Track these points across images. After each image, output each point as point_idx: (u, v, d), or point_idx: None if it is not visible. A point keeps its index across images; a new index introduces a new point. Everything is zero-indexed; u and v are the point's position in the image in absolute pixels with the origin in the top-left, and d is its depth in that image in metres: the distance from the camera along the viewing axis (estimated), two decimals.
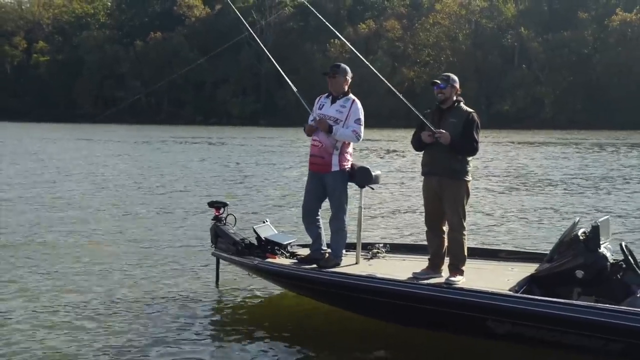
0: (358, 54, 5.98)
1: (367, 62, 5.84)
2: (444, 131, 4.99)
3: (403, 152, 25.64)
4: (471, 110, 5.14)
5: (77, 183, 15.05)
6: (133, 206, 11.61)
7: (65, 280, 6.60)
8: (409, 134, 5.33)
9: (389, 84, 5.71)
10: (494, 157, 23.14)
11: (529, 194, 13.73)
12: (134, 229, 9.42)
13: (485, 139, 33.72)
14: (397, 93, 5.52)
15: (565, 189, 14.54)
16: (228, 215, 6.12)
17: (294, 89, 5.62)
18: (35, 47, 76.38)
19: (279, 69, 5.87)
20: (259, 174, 17.72)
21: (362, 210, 5.70)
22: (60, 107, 70.97)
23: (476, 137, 5.05)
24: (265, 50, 6.07)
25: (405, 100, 5.30)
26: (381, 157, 23.79)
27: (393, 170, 18.70)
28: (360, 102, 5.52)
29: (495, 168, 19.44)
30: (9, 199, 12.29)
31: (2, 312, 5.57)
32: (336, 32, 6.15)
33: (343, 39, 6.79)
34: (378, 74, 5.73)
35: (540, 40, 63.32)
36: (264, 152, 26.58)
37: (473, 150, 5.07)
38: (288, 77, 5.70)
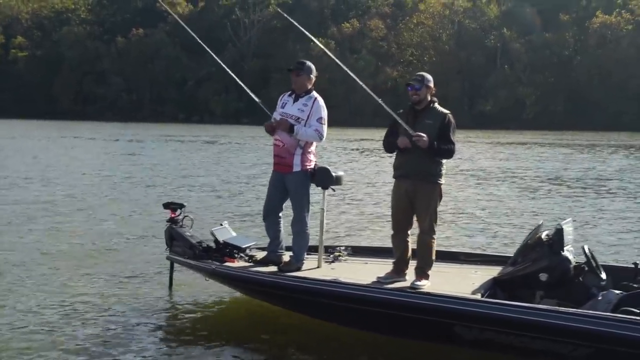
0: (334, 58, 5.76)
1: (344, 67, 5.59)
2: (422, 135, 4.82)
3: (374, 152, 25.45)
4: (447, 111, 5.00)
5: (39, 182, 14.62)
6: (87, 206, 11.24)
7: (10, 284, 6.30)
8: None
9: (366, 88, 5.48)
10: (464, 157, 22.99)
11: (496, 195, 13.55)
12: (86, 229, 9.09)
13: (467, 139, 33.79)
14: (376, 97, 5.32)
15: (533, 191, 14.42)
16: (185, 217, 5.90)
17: (251, 94, 5.50)
18: (13, 42, 75.14)
19: (236, 78, 5.67)
20: (224, 173, 17.37)
21: (325, 212, 5.51)
22: (39, 104, 69.91)
23: (453, 139, 4.92)
24: (225, 67, 5.85)
25: (383, 104, 5.11)
26: (354, 157, 23.64)
27: (363, 170, 18.55)
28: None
29: (465, 168, 19.28)
30: None
31: None
32: (311, 36, 5.95)
33: (318, 43, 6.53)
34: (355, 78, 5.54)
35: (523, 42, 63.81)
36: (235, 150, 26.29)
37: (450, 153, 4.94)
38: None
